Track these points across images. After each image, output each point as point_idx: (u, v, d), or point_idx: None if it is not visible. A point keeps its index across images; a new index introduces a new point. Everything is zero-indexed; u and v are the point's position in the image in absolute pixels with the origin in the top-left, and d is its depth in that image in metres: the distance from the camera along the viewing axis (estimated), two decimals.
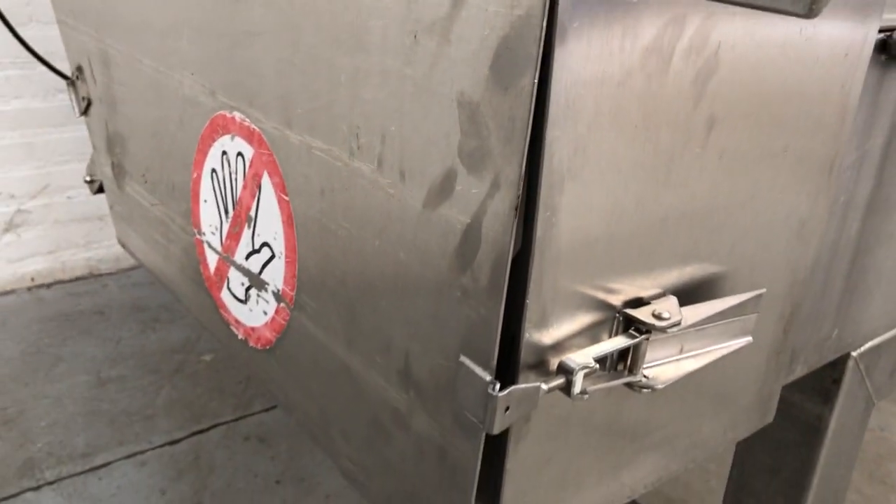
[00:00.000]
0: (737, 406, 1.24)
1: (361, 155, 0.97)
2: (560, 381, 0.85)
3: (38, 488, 2.58)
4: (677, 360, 0.97)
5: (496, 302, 0.81)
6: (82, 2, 1.73)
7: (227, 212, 1.37)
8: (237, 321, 1.45)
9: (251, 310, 1.39)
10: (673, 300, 0.95)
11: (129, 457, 2.75)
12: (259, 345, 1.40)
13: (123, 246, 2.10)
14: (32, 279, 3.89)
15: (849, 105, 1.07)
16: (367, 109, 0.94)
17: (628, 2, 0.75)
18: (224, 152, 1.32)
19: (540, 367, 0.87)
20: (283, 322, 1.29)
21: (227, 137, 1.30)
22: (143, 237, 1.89)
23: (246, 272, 1.36)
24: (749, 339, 1.06)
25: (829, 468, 1.67)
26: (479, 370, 0.84)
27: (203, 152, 1.39)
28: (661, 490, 2.73)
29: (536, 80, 0.70)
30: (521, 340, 0.84)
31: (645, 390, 0.94)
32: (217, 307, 1.52)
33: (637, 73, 0.79)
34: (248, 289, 1.37)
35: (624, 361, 0.93)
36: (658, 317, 0.90)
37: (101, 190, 2.13)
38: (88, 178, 2.18)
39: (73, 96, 1.97)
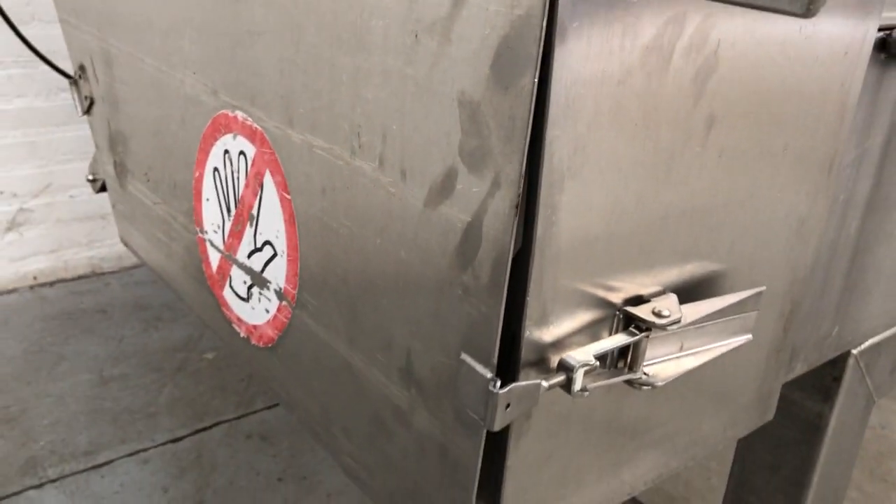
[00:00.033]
0: (737, 404, 1.25)
1: (363, 154, 0.98)
2: (560, 378, 0.85)
3: (40, 486, 2.59)
4: (677, 357, 0.98)
5: (497, 300, 0.81)
6: (84, 1, 1.74)
7: (229, 210, 1.37)
8: (239, 319, 1.46)
9: (253, 308, 1.39)
10: (673, 298, 0.95)
11: (131, 455, 2.75)
12: (261, 343, 1.40)
13: (126, 244, 2.10)
14: (35, 278, 3.90)
15: (848, 103, 1.08)
16: (369, 108, 0.95)
17: (628, 1, 0.75)
18: (226, 151, 1.33)
19: (540, 364, 0.88)
20: (284, 320, 1.30)
21: (229, 136, 1.31)
22: (145, 236, 1.89)
23: (248, 270, 1.36)
24: (749, 336, 1.06)
25: (829, 466, 1.67)
26: (479, 367, 0.84)
27: (205, 151, 1.40)
28: (662, 487, 2.74)
29: (537, 80, 0.71)
30: (521, 338, 0.84)
31: (645, 388, 0.94)
32: (219, 305, 1.52)
33: (637, 71, 0.79)
34: (250, 287, 1.38)
35: (624, 359, 0.93)
36: (658, 314, 0.91)
37: (103, 189, 2.14)
38: (91, 177, 2.19)
39: (75, 95, 1.97)
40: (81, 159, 3.78)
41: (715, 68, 0.87)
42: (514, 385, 0.82)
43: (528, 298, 0.82)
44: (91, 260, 4.04)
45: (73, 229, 3.94)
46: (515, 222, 0.77)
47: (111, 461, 2.72)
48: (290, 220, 1.19)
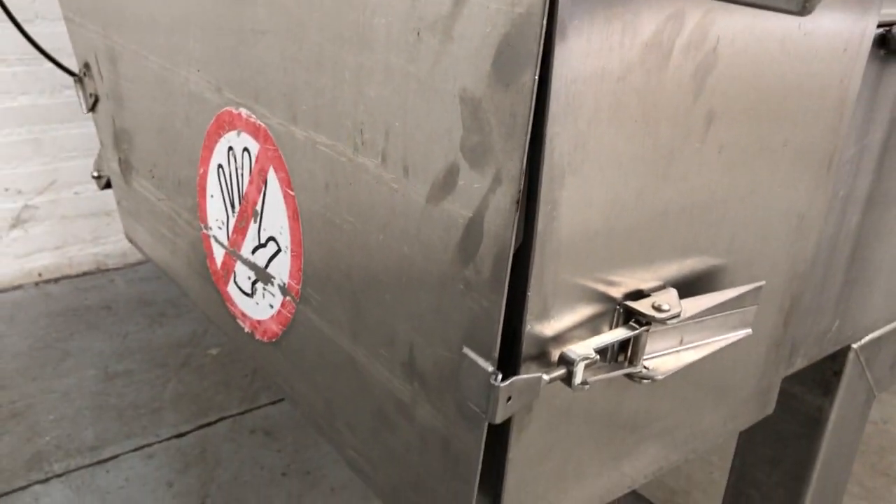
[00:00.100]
0: (737, 397, 1.25)
1: (365, 150, 0.99)
2: (561, 371, 0.86)
3: (46, 481, 2.61)
4: (677, 351, 0.99)
5: (498, 295, 0.82)
6: None
7: (233, 207, 1.38)
8: (243, 314, 1.47)
9: (257, 303, 1.40)
10: (673, 292, 0.96)
11: (136, 450, 2.77)
12: (265, 338, 1.41)
13: (130, 241, 2.12)
14: (40, 274, 3.92)
15: (848, 99, 1.08)
16: (371, 106, 0.95)
17: None
18: (230, 148, 1.34)
19: (541, 358, 0.89)
20: (288, 315, 1.31)
21: (233, 133, 1.32)
22: (150, 232, 1.90)
23: (252, 266, 1.37)
24: (748, 331, 1.07)
25: (829, 460, 1.68)
26: (481, 361, 0.85)
27: (209, 148, 1.41)
28: (664, 481, 2.75)
29: (537, 77, 0.72)
30: (522, 332, 0.85)
31: (645, 381, 0.95)
32: (224, 301, 1.53)
33: (637, 68, 0.80)
34: (254, 282, 1.39)
35: (624, 353, 0.94)
36: (658, 309, 0.91)
37: (108, 185, 2.15)
38: (95, 174, 2.20)
39: (80, 93, 1.98)
40: (86, 156, 3.79)
41: (714, 65, 0.87)
42: (515, 378, 0.83)
43: (528, 293, 0.83)
44: (96, 256, 4.06)
45: (77, 226, 3.96)
46: (516, 218, 0.78)
47: (116, 456, 2.74)
48: (294, 216, 1.20)
